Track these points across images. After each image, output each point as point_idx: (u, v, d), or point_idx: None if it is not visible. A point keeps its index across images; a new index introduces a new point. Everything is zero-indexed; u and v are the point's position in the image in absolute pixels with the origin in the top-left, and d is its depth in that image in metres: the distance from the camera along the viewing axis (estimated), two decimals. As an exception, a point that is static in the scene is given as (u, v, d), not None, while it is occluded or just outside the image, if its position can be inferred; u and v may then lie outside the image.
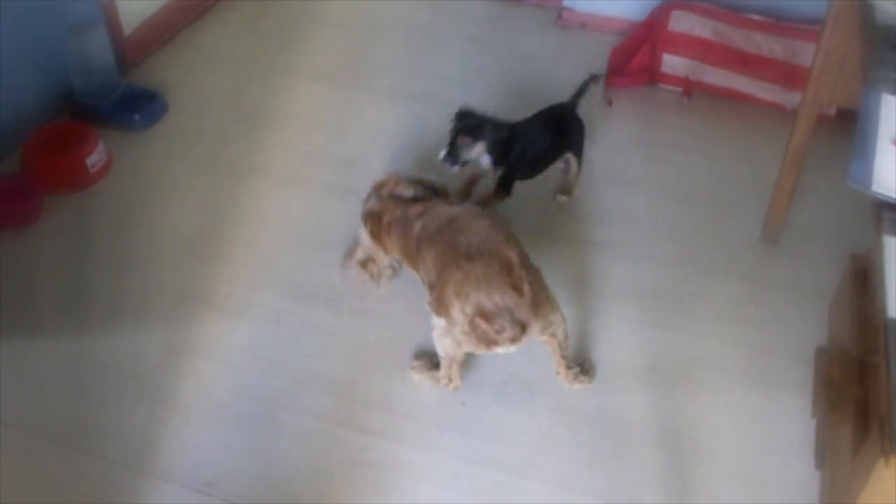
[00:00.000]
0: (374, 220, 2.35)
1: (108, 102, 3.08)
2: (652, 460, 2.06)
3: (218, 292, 2.47)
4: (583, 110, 2.76)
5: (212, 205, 2.78)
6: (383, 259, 2.43)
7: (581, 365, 2.24)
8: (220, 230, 2.69)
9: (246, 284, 2.51)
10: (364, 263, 2.46)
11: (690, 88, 3.29)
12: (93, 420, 2.12)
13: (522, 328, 1.97)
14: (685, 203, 2.83)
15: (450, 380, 2.18)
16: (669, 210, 2.80)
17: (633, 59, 3.34)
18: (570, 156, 2.75)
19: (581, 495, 1.99)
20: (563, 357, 2.18)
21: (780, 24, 3.22)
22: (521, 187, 2.66)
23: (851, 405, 1.70)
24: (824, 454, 1.93)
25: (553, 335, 2.10)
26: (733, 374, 2.28)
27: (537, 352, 2.23)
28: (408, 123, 3.14)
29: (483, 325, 1.96)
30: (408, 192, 2.33)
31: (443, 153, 2.51)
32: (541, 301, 2.01)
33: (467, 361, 2.21)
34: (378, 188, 2.39)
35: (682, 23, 3.27)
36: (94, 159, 2.84)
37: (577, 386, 2.21)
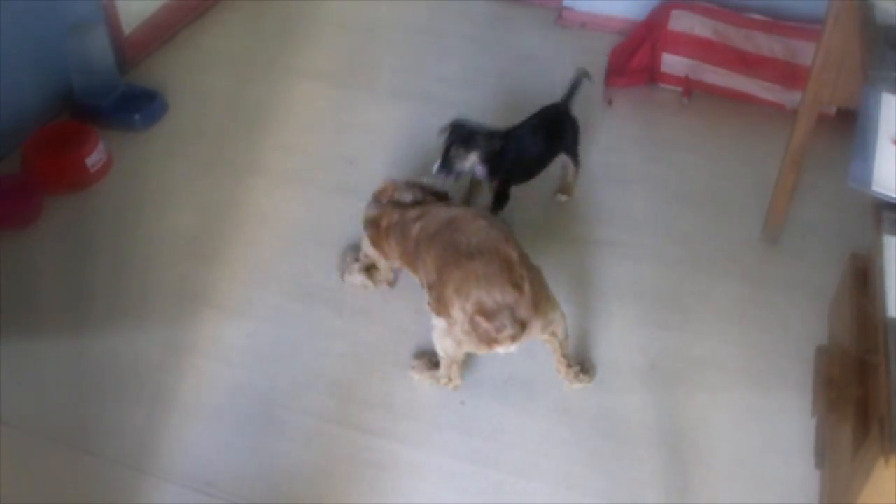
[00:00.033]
0: (374, 226, 2.36)
1: (108, 102, 3.08)
2: (652, 460, 2.06)
3: (218, 292, 2.47)
4: (582, 109, 2.76)
5: (211, 204, 2.78)
6: (384, 266, 2.43)
7: (581, 364, 2.24)
8: (219, 230, 2.69)
9: (246, 284, 2.51)
10: (367, 270, 2.47)
11: (690, 88, 3.29)
12: (93, 420, 2.12)
13: (523, 326, 1.97)
14: (685, 203, 2.82)
15: (449, 379, 2.18)
16: (669, 210, 2.80)
17: (633, 58, 3.34)
18: (565, 157, 2.73)
19: (581, 495, 1.99)
20: (564, 356, 2.18)
21: (780, 23, 3.22)
22: (520, 187, 2.66)
23: (851, 404, 1.70)
24: (824, 453, 1.93)
25: (553, 334, 2.10)
26: (733, 373, 2.28)
27: (537, 351, 2.22)
28: (408, 123, 3.14)
29: (483, 324, 1.96)
30: (406, 196, 2.34)
31: (437, 165, 2.51)
32: (541, 299, 2.01)
33: (467, 361, 2.20)
34: (377, 196, 2.40)
35: (682, 22, 3.27)
36: (94, 159, 2.84)
37: (577, 385, 2.21)
